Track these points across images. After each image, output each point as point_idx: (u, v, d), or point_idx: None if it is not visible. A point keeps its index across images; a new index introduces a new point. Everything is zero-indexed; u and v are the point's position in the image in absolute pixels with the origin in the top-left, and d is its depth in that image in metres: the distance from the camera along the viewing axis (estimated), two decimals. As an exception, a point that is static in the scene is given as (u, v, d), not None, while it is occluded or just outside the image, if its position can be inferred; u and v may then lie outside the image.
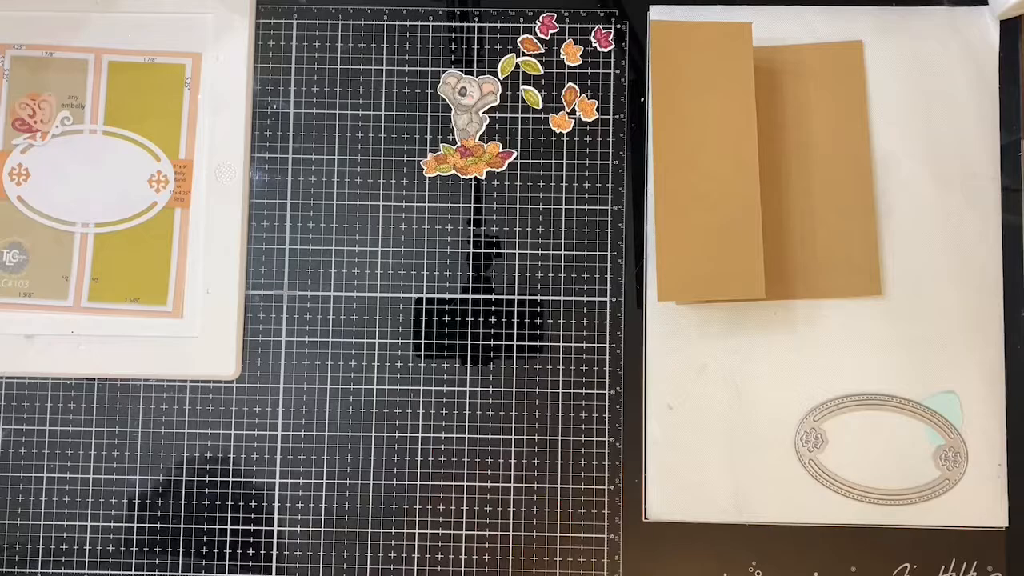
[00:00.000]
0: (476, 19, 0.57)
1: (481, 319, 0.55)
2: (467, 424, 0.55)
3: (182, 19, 0.57)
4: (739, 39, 0.53)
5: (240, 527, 0.55)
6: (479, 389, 0.55)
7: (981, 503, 0.53)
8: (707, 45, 0.53)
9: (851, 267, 0.54)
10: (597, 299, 0.56)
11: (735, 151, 0.52)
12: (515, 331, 0.55)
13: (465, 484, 0.55)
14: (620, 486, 0.55)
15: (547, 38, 0.57)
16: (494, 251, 0.56)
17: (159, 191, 0.56)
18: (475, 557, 0.54)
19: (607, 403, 0.55)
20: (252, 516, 0.54)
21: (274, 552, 0.54)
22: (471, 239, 0.56)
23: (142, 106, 0.57)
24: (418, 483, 0.55)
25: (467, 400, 0.55)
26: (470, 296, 0.56)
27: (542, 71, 0.57)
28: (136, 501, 0.55)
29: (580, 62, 0.57)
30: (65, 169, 0.57)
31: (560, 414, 0.55)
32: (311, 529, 0.54)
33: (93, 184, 0.57)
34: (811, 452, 0.54)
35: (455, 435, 0.55)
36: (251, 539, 0.54)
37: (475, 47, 0.57)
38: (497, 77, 0.57)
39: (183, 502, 0.55)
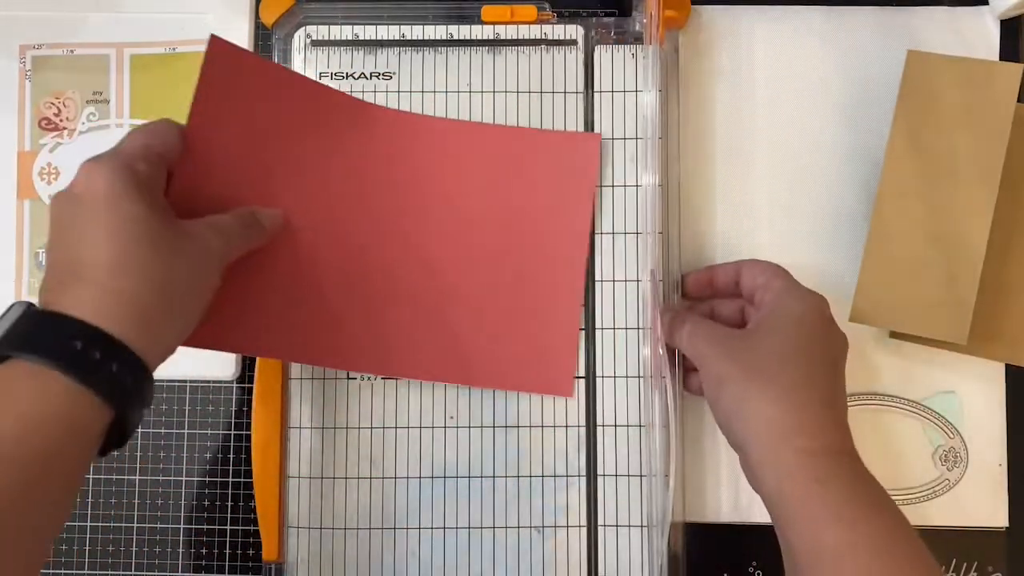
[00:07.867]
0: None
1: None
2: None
3: (181, 19, 0.58)
4: (1004, 80, 0.51)
5: (240, 527, 0.55)
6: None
7: (981, 503, 0.53)
8: (966, 82, 0.51)
9: None
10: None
11: (970, 193, 0.50)
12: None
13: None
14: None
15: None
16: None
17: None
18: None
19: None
20: (252, 516, 0.54)
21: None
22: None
23: (165, 97, 0.57)
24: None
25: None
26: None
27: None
28: (136, 501, 0.55)
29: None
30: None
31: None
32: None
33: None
34: (811, 453, 0.54)
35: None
36: (251, 539, 0.54)
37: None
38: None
39: (183, 502, 0.55)
